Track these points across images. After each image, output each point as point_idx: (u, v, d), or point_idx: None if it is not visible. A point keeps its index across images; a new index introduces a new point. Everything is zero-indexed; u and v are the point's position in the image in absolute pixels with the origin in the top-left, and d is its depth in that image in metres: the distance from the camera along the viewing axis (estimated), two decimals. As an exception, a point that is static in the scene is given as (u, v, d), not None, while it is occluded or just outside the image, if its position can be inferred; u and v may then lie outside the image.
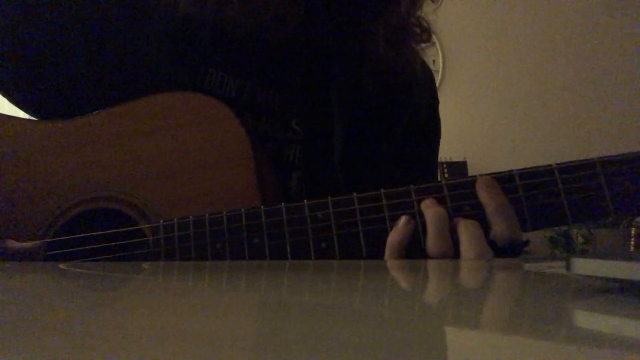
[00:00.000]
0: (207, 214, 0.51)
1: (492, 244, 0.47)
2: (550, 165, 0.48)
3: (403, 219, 0.48)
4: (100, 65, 0.59)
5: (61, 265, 0.48)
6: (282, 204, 0.50)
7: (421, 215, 0.49)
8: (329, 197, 0.50)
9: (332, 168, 0.61)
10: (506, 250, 0.48)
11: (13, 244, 0.53)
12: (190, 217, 0.52)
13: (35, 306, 0.24)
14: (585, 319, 0.20)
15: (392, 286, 0.32)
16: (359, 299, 0.26)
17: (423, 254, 0.48)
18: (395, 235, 0.48)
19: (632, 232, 2.20)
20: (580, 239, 2.41)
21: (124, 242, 0.53)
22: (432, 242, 0.47)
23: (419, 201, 0.49)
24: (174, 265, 0.49)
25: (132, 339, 0.16)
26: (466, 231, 0.47)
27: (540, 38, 2.86)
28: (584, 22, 2.82)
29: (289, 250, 0.50)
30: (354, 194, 0.50)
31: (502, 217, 0.47)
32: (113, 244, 0.53)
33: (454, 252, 0.47)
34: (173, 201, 0.53)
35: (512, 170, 0.49)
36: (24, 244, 0.53)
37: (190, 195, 0.53)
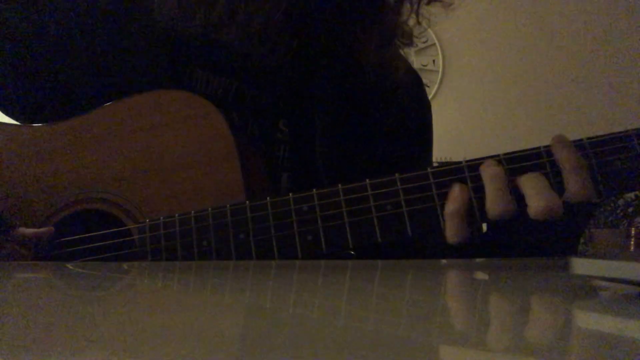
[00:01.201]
0: (192, 212, 0.51)
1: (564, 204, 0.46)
2: (539, 148, 0.48)
3: (457, 187, 0.46)
4: (86, 67, 0.59)
5: (53, 266, 0.48)
6: (267, 198, 0.50)
7: (408, 202, 0.48)
8: (314, 190, 0.50)
9: (319, 170, 0.61)
10: (577, 211, 0.47)
11: (24, 230, 0.53)
12: (176, 215, 0.51)
13: (31, 306, 0.24)
14: (585, 319, 0.20)
15: (391, 287, 0.32)
16: (349, 301, 0.26)
17: (440, 236, 0.47)
18: (452, 204, 0.46)
19: (632, 232, 2.20)
20: (580, 239, 2.40)
21: (111, 242, 0.53)
22: (492, 200, 0.45)
23: (405, 190, 0.48)
24: (162, 265, 0.49)
25: (127, 338, 0.16)
26: (530, 183, 0.45)
27: (540, 38, 2.85)
28: (584, 22, 2.82)
29: (275, 244, 0.49)
30: (339, 185, 0.49)
31: (579, 175, 0.46)
32: (100, 244, 0.53)
33: (519, 211, 0.45)
34: (159, 200, 0.53)
35: (498, 155, 0.49)
36: (35, 230, 0.53)
37: (176, 194, 0.53)
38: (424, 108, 0.73)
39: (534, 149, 0.49)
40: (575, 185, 0.46)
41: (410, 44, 0.66)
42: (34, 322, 0.19)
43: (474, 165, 0.48)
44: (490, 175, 0.46)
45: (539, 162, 0.48)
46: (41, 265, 0.51)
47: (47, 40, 0.59)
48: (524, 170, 0.47)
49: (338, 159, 0.62)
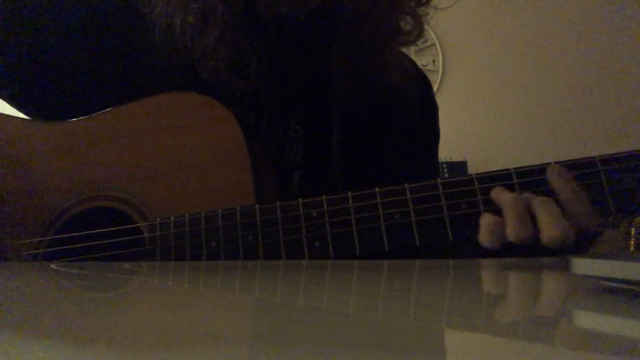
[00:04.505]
0: (202, 212, 0.51)
1: None
2: (549, 164, 0.47)
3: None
4: (101, 66, 0.60)
5: (55, 266, 0.48)
6: (277, 202, 0.50)
7: (417, 212, 0.48)
8: (324, 196, 0.50)
9: (333, 167, 0.61)
10: (583, 238, 0.46)
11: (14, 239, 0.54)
12: (187, 215, 0.52)
13: (34, 306, 0.24)
14: (585, 319, 0.20)
15: (391, 287, 0.32)
16: (355, 299, 0.26)
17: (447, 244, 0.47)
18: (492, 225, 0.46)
19: (632, 232, 2.20)
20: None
21: (121, 239, 0.53)
22: (513, 225, 0.45)
23: (414, 200, 0.48)
24: (171, 265, 0.49)
25: (131, 339, 0.16)
26: (545, 210, 0.45)
27: (540, 38, 2.85)
28: (583, 22, 2.82)
29: (282, 249, 0.49)
30: (349, 193, 0.49)
31: (580, 201, 0.45)
32: (110, 241, 0.54)
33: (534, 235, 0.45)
34: (170, 200, 0.54)
35: (509, 169, 0.48)
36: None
37: (187, 194, 0.54)
38: (430, 109, 0.73)
39: (544, 164, 0.48)
40: (579, 213, 0.45)
41: (418, 39, 0.65)
42: (37, 323, 0.19)
43: (484, 178, 0.48)
44: (510, 200, 0.46)
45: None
46: (46, 265, 0.51)
47: (61, 39, 0.59)
48: (533, 185, 0.47)
49: (355, 158, 0.62)
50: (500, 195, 0.47)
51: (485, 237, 0.46)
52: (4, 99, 0.63)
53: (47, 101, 0.62)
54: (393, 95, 0.66)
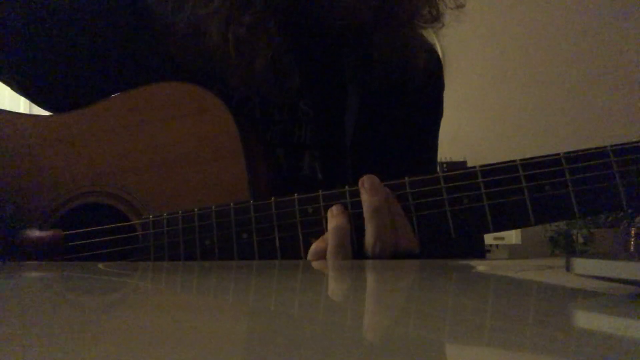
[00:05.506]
0: (196, 210, 0.50)
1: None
2: (558, 154, 0.45)
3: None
4: (102, 60, 0.60)
5: (45, 267, 0.48)
6: (272, 198, 0.49)
7: (417, 207, 0.47)
8: (320, 191, 0.49)
9: (345, 146, 0.61)
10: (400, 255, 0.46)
11: (32, 232, 0.53)
12: (180, 212, 0.51)
13: (28, 307, 0.24)
14: (585, 319, 0.20)
15: (385, 285, 0.32)
16: (353, 300, 0.25)
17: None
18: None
19: (632, 232, 2.20)
20: (580, 239, 2.41)
21: (115, 237, 0.53)
22: (331, 251, 0.47)
23: (413, 194, 0.47)
24: (164, 266, 0.49)
25: (128, 341, 0.16)
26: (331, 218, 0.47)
27: (540, 38, 2.85)
28: (584, 21, 2.82)
29: (278, 246, 0.48)
30: (346, 187, 0.48)
31: (373, 221, 0.46)
32: (104, 240, 0.53)
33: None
34: (164, 195, 0.53)
35: (514, 160, 0.46)
36: (42, 233, 0.53)
37: (180, 189, 0.53)
38: (438, 90, 0.72)
39: (551, 155, 0.46)
40: (367, 230, 0.46)
41: (436, 19, 0.65)
42: (33, 324, 0.19)
43: (488, 171, 0.46)
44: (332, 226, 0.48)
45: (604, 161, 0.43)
46: (44, 266, 0.51)
47: (67, 34, 0.60)
48: (540, 178, 0.45)
49: (369, 138, 0.61)
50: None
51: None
52: (13, 88, 0.63)
53: (56, 93, 0.62)
54: (408, 75, 0.65)
